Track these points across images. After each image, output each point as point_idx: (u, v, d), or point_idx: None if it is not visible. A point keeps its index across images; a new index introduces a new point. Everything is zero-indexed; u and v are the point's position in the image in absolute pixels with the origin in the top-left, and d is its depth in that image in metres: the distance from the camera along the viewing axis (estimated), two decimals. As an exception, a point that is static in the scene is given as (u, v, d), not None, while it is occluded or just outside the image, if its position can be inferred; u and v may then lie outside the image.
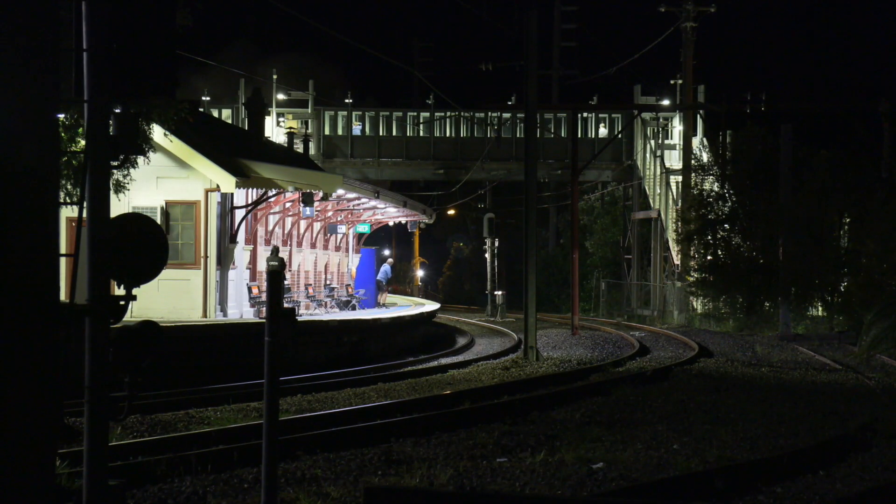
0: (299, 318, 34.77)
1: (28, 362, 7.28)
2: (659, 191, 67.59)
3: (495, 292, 69.63)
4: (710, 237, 59.75)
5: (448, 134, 70.19)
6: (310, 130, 69.23)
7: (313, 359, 31.92)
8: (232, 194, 37.44)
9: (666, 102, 66.45)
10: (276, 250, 40.33)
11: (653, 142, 68.44)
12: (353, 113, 70.19)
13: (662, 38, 62.67)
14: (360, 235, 59.18)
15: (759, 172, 57.25)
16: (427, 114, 69.78)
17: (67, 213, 30.40)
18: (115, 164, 11.67)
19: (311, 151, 65.24)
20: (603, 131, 70.55)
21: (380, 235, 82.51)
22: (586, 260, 75.02)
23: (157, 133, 32.95)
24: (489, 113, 69.62)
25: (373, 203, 51.03)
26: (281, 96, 69.47)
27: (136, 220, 12.26)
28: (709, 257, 59.70)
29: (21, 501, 7.15)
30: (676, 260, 63.18)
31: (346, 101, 70.80)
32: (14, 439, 7.12)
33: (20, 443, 7.16)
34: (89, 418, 11.58)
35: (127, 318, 11.93)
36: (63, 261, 9.97)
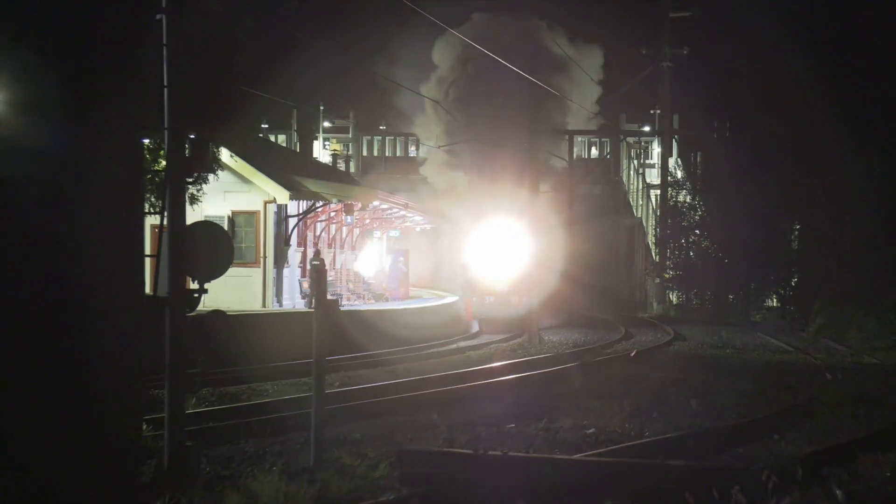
0: (342, 308, 34.79)
1: (120, 344, 7.33)
2: (641, 202, 67.56)
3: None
4: (683, 241, 59.66)
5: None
6: (350, 152, 69.33)
7: (353, 341, 31.87)
8: (286, 205, 37.51)
9: (647, 129, 66.41)
10: (317, 253, 40.30)
11: (636, 161, 68.39)
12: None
13: (644, 76, 62.56)
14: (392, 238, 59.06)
15: (723, 186, 57.13)
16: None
17: (151, 220, 30.42)
18: (190, 180, 11.73)
19: (352, 169, 65.35)
20: (594, 152, 70.50)
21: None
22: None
23: (225, 155, 33.12)
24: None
25: (402, 212, 51.07)
26: (326, 124, 69.56)
27: (207, 226, 12.31)
28: (682, 257, 59.62)
29: (116, 458, 7.20)
30: (655, 259, 63.09)
31: (381, 127, 70.90)
32: (110, 407, 7.17)
33: (115, 410, 7.21)
34: (169, 391, 11.63)
35: (200, 307, 11.97)
36: (147, 260, 10.01)
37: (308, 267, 40.98)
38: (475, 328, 42.01)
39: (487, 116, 47.77)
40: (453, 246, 57.20)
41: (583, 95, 51.47)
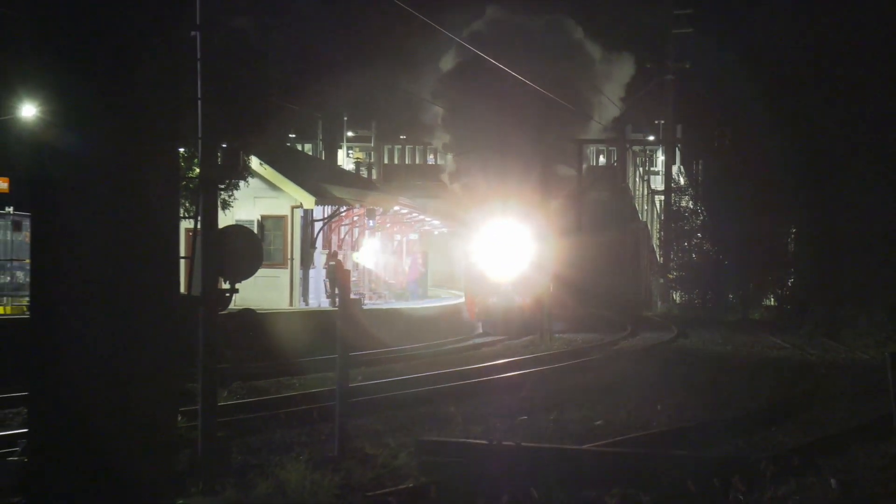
0: (364, 307, 34.84)
1: (156, 340, 7.39)
2: (646, 207, 67.47)
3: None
4: (685, 243, 59.55)
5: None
6: (372, 160, 69.38)
7: (374, 338, 31.86)
8: (312, 210, 37.61)
9: (651, 138, 66.33)
10: (333, 254, 40.31)
11: (641, 169, 68.32)
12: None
13: (648, 88, 62.45)
14: (411, 241, 59.08)
15: (723, 192, 57.02)
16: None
17: (186, 224, 30.52)
18: (222, 186, 11.77)
19: (374, 176, 65.39)
20: (602, 160, 70.44)
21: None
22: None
23: (255, 162, 33.24)
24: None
25: (421, 216, 51.13)
26: (350, 133, 69.62)
27: (238, 230, 12.37)
28: (685, 259, 59.49)
29: (152, 447, 7.25)
30: (660, 261, 62.97)
31: (402, 137, 70.86)
32: (146, 399, 7.23)
33: (151, 402, 7.27)
34: (202, 384, 11.69)
35: (231, 306, 12.00)
36: (182, 262, 10.05)
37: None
38: (479, 329, 41.36)
39: (496, 123, 47.26)
40: (466, 248, 56.62)
41: (602, 111, 51.01)
